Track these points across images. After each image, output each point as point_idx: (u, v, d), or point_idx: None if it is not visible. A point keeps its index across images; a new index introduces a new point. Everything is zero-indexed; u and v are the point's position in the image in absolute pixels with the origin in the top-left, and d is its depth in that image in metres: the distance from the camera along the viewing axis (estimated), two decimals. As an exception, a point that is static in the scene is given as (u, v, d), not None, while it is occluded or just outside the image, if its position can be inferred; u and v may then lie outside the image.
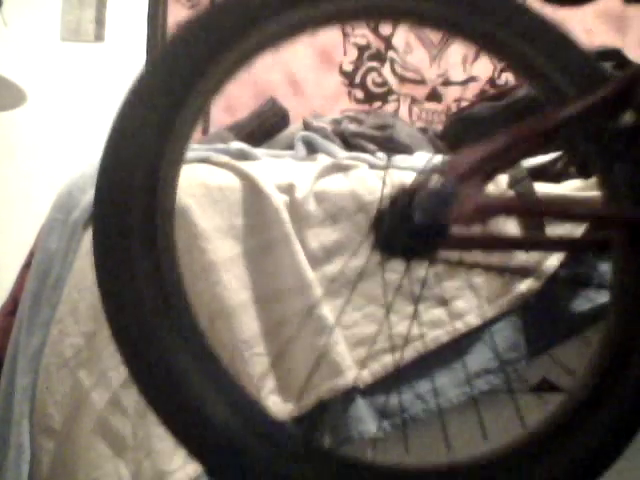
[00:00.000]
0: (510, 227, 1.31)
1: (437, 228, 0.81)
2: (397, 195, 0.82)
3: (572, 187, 1.38)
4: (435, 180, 0.82)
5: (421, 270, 1.29)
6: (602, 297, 1.30)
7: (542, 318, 1.32)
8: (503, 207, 0.90)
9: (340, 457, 0.84)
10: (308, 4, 0.84)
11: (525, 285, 1.30)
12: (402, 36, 2.48)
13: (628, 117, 0.87)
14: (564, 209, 0.95)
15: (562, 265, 1.31)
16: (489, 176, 0.86)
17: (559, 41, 0.92)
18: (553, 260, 1.31)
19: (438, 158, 0.91)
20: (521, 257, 1.31)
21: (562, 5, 1.00)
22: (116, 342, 0.76)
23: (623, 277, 0.91)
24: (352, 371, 1.25)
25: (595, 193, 1.35)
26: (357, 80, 2.49)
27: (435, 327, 1.29)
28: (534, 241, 0.97)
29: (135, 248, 0.75)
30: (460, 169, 0.83)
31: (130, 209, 0.76)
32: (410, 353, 1.28)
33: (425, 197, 0.81)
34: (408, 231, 0.81)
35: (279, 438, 0.77)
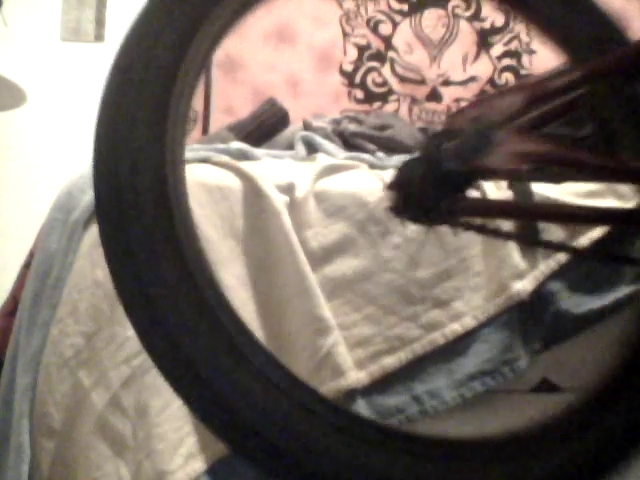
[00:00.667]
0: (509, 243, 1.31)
1: (466, 176, 0.76)
2: (425, 143, 0.78)
3: (572, 190, 1.38)
4: (467, 124, 0.77)
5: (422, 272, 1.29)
6: (599, 300, 1.30)
7: (540, 318, 1.32)
8: (544, 155, 0.80)
9: (386, 428, 0.82)
10: None
11: (522, 285, 1.30)
12: (402, 36, 2.48)
13: None
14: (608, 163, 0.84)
15: (553, 273, 1.31)
16: (532, 126, 0.80)
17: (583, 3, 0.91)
18: (542, 267, 1.31)
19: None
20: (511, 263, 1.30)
21: None
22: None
23: None
24: (353, 372, 1.25)
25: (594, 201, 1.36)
26: (357, 80, 2.49)
27: (433, 329, 1.29)
28: (569, 211, 0.89)
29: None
30: (496, 113, 0.77)
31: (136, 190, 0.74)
32: (407, 355, 1.28)
33: (459, 140, 0.75)
34: (434, 180, 0.76)
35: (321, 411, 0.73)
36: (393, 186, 0.79)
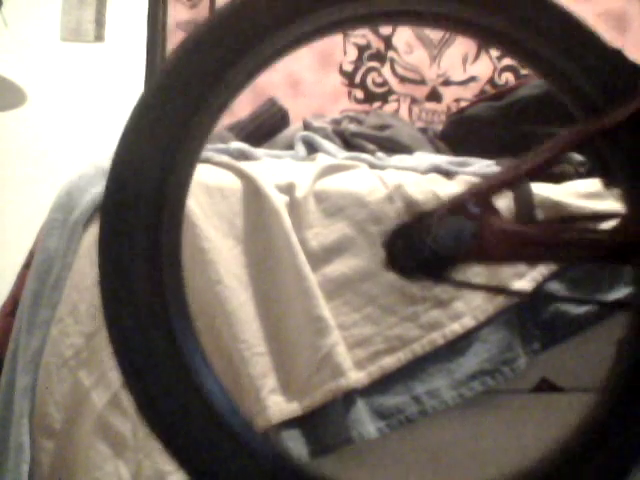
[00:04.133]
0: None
1: (454, 254, 0.81)
2: (414, 217, 0.82)
3: (572, 191, 1.38)
4: (455, 209, 0.81)
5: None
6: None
7: (539, 318, 1.32)
8: (524, 236, 0.86)
9: (311, 475, 0.85)
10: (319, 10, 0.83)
11: (521, 285, 1.30)
12: (402, 36, 2.48)
13: None
14: (589, 238, 0.88)
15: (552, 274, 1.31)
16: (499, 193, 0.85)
17: (584, 41, 0.88)
18: (541, 268, 1.31)
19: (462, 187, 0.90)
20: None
21: None
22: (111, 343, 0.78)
23: None
24: (353, 372, 1.25)
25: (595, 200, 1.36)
26: (357, 80, 2.49)
27: (432, 329, 1.29)
28: (550, 253, 0.93)
29: (138, 254, 0.77)
30: (482, 195, 0.82)
31: (136, 223, 0.77)
32: (407, 355, 1.28)
33: (441, 224, 0.81)
34: (421, 256, 0.81)
35: (256, 451, 0.80)
36: (385, 244, 0.84)
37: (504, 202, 1.33)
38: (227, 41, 0.81)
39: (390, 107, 2.47)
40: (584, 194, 1.38)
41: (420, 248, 0.81)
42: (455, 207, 0.82)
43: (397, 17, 0.89)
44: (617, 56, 0.88)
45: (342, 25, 0.86)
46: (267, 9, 0.82)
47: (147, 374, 0.79)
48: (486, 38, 0.90)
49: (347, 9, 0.84)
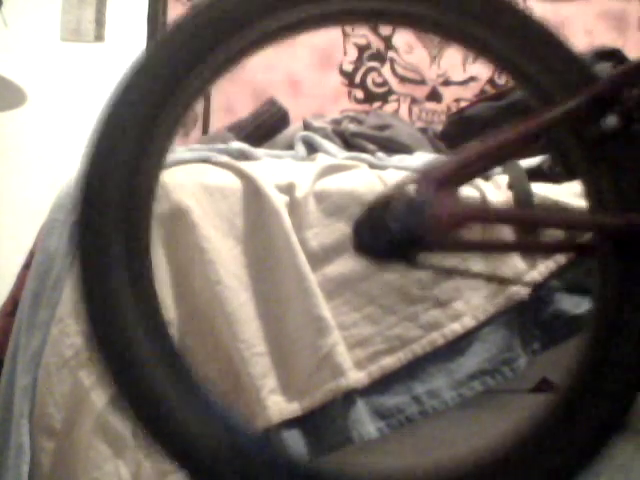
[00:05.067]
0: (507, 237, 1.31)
1: (413, 236, 0.83)
2: (374, 202, 0.84)
3: (571, 191, 1.38)
4: (410, 189, 0.83)
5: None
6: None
7: (539, 318, 1.32)
8: (477, 216, 0.90)
9: (309, 469, 0.86)
10: (303, 4, 0.84)
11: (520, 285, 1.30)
12: (402, 36, 2.48)
13: (611, 121, 0.85)
14: (542, 218, 0.93)
15: (552, 274, 1.31)
16: (464, 181, 0.87)
17: (544, 40, 0.89)
18: (541, 268, 1.31)
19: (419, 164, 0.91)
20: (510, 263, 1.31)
21: None
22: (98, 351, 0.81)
23: (606, 287, 0.88)
24: (353, 372, 1.25)
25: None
26: (357, 80, 2.49)
27: (432, 329, 1.29)
28: (518, 245, 0.95)
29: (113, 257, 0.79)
30: (434, 177, 0.83)
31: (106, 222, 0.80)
32: (407, 355, 1.28)
33: (397, 207, 0.82)
34: (386, 238, 0.83)
35: (251, 450, 0.81)
36: (353, 232, 0.85)
37: (503, 198, 1.33)
38: (189, 44, 0.83)
39: (390, 107, 2.47)
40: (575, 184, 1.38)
41: (383, 230, 0.83)
42: (414, 185, 0.84)
43: (354, 16, 0.90)
44: (569, 51, 0.89)
45: (304, 26, 0.87)
46: (229, 11, 0.84)
47: (136, 374, 0.80)
48: (445, 35, 0.91)
49: (307, 9, 0.85)
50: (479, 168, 0.89)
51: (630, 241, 0.85)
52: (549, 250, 1.07)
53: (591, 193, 0.89)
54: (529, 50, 0.88)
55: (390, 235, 0.82)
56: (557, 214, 0.93)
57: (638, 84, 0.85)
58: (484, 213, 0.89)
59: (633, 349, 0.86)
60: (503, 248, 1.07)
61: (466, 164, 0.86)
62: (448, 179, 0.84)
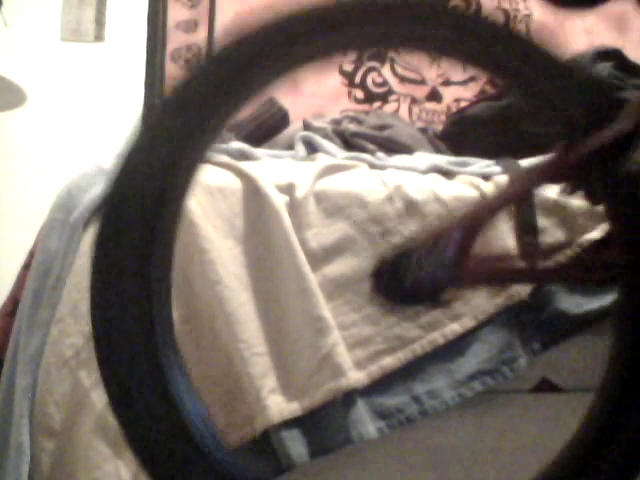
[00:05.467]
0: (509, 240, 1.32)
1: (439, 287, 0.86)
2: (400, 251, 0.86)
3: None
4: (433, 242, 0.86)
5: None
6: (598, 301, 1.30)
7: (539, 318, 1.32)
8: (500, 274, 0.91)
9: None
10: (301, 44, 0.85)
11: (519, 286, 1.30)
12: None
13: (637, 156, 0.84)
14: (565, 271, 0.93)
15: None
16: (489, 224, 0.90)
17: (552, 66, 0.88)
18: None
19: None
20: None
21: (572, 7, 0.99)
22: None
23: (627, 318, 0.88)
24: (353, 372, 1.25)
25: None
26: (357, 80, 2.48)
27: (432, 329, 1.29)
28: (536, 274, 0.96)
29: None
30: (459, 232, 0.85)
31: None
32: (406, 355, 1.28)
33: (424, 260, 0.84)
34: (412, 287, 0.85)
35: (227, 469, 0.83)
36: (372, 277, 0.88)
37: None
38: (224, 72, 0.84)
39: (390, 107, 2.46)
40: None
41: (404, 280, 0.85)
42: (437, 241, 0.86)
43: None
44: (596, 82, 0.91)
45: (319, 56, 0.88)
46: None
47: (130, 391, 0.82)
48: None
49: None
50: (499, 211, 0.91)
51: None
52: (572, 279, 1.08)
53: (615, 229, 0.89)
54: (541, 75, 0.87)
55: (416, 284, 0.85)
56: (582, 263, 0.93)
57: None
58: (505, 270, 0.91)
59: None
60: (517, 282, 1.09)
61: (488, 211, 0.90)
62: (472, 227, 0.86)
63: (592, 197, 0.92)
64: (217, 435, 0.85)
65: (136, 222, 0.83)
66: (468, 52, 0.87)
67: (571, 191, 0.93)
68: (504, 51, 0.86)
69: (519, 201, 0.96)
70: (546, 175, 0.89)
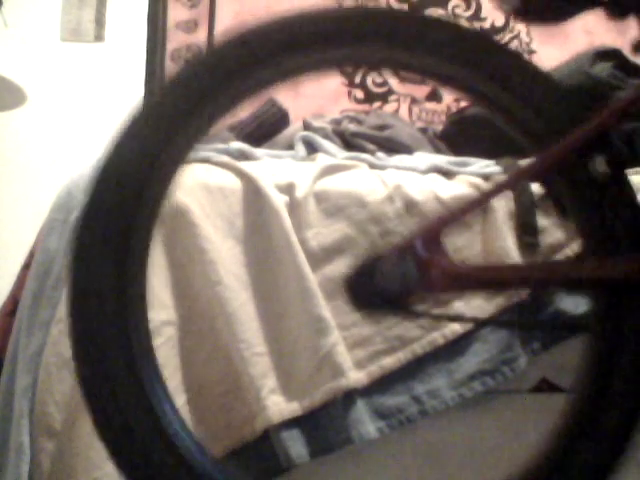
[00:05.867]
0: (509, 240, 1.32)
1: (409, 294, 0.87)
2: (369, 259, 0.87)
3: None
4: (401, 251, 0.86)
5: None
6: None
7: (539, 318, 1.32)
8: (470, 280, 0.90)
9: None
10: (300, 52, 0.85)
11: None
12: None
13: (600, 164, 0.83)
14: (537, 274, 0.93)
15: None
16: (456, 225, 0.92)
17: (528, 77, 0.87)
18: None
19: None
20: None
21: (540, 22, 0.99)
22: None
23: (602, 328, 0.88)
24: (353, 372, 1.25)
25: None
26: (357, 80, 2.49)
27: (432, 329, 1.29)
28: (519, 279, 0.96)
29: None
30: (425, 238, 0.86)
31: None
32: (406, 355, 1.28)
33: (390, 268, 0.86)
34: (381, 295, 0.87)
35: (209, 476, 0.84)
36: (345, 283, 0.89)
37: (505, 203, 1.33)
38: (211, 75, 0.85)
39: (390, 107, 2.47)
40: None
41: (373, 288, 0.86)
42: (403, 249, 0.86)
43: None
44: (556, 87, 0.88)
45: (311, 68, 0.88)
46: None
47: (106, 398, 0.83)
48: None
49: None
50: (465, 214, 0.92)
51: (622, 289, 0.84)
52: (549, 286, 1.08)
53: (583, 236, 0.88)
54: (513, 89, 0.87)
55: (385, 292, 0.86)
56: (551, 268, 0.94)
57: (622, 125, 0.85)
58: (477, 275, 0.91)
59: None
60: (502, 287, 1.08)
61: (456, 218, 0.91)
62: (437, 236, 0.87)
63: (561, 209, 0.92)
64: (200, 444, 0.86)
65: (112, 225, 0.84)
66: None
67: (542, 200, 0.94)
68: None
69: (482, 204, 0.97)
70: (518, 179, 0.90)
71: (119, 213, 0.83)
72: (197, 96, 0.84)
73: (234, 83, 0.85)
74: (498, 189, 1.02)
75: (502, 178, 0.89)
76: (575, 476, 0.85)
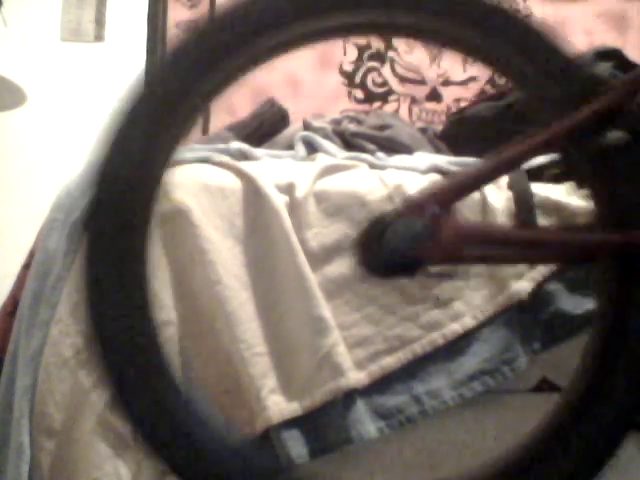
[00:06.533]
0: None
1: (416, 257, 0.84)
2: (372, 224, 0.85)
3: (572, 191, 1.38)
4: (410, 210, 0.84)
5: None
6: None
7: (539, 318, 1.32)
8: (477, 237, 0.90)
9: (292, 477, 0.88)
10: (309, 17, 0.85)
11: (521, 285, 1.30)
12: (402, 36, 2.48)
13: (615, 134, 0.84)
14: (543, 238, 0.93)
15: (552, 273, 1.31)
16: (466, 195, 0.89)
17: (546, 48, 0.88)
18: (541, 267, 1.31)
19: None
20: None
21: None
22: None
23: (607, 300, 0.88)
24: (353, 372, 1.25)
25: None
26: (357, 80, 2.49)
27: (432, 329, 1.29)
28: (520, 256, 0.96)
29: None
30: (435, 199, 0.84)
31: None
32: (407, 355, 1.28)
33: (399, 229, 0.84)
34: (388, 258, 0.84)
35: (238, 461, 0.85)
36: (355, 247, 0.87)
37: (505, 203, 1.33)
38: (200, 54, 0.84)
39: (390, 107, 2.47)
40: (584, 194, 1.37)
41: (382, 249, 0.84)
42: (413, 208, 0.85)
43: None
44: (574, 61, 0.88)
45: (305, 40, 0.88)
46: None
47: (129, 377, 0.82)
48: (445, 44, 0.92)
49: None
50: (480, 184, 0.90)
51: (631, 258, 0.84)
52: (551, 261, 1.07)
53: (596, 206, 0.88)
54: (532, 58, 0.87)
55: (393, 255, 0.84)
56: (559, 233, 0.93)
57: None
58: (485, 234, 0.91)
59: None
60: (505, 260, 1.08)
61: (468, 183, 0.89)
62: (449, 198, 0.85)
63: (578, 177, 0.92)
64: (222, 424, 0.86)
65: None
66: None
67: (561, 176, 0.93)
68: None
69: (501, 174, 0.95)
70: (533, 148, 0.88)
71: (124, 206, 0.84)
72: (195, 71, 0.84)
73: (232, 56, 0.84)
74: (510, 164, 0.98)
75: (524, 143, 0.88)
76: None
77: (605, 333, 0.87)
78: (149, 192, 0.83)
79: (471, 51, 0.91)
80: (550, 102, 0.88)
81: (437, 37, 0.90)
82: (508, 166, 0.92)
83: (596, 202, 0.88)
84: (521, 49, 0.87)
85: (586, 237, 0.89)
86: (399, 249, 0.83)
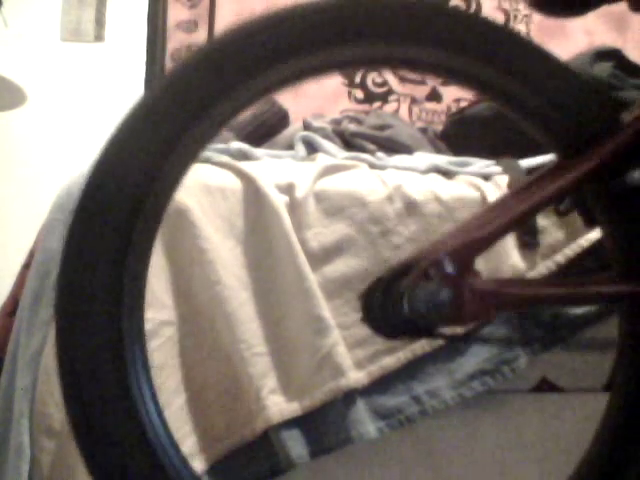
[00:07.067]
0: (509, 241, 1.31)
1: (435, 320, 0.77)
2: (387, 277, 0.79)
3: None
4: (424, 274, 0.77)
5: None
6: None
7: (539, 318, 1.32)
8: (504, 301, 0.82)
9: None
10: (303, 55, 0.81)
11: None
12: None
13: (637, 174, 0.77)
14: (570, 292, 0.84)
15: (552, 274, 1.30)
16: (484, 250, 0.81)
17: (553, 73, 0.82)
18: (540, 268, 1.30)
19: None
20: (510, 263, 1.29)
21: (558, 15, 0.94)
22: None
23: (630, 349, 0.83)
24: (353, 372, 1.25)
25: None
26: (357, 80, 2.49)
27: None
28: (553, 298, 0.87)
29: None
30: (454, 257, 0.77)
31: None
32: (406, 355, 1.28)
33: (412, 301, 0.77)
34: (396, 321, 0.78)
35: None
36: (361, 301, 0.81)
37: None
38: (221, 71, 0.82)
39: (390, 107, 2.47)
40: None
41: (394, 312, 0.78)
42: (430, 269, 0.77)
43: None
44: (593, 89, 0.81)
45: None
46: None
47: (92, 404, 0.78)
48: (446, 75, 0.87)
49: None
50: (498, 238, 0.82)
51: None
52: (577, 301, 1.01)
53: (613, 249, 0.82)
54: (548, 95, 0.80)
55: (409, 322, 0.77)
56: (586, 287, 0.83)
57: None
58: (511, 298, 0.82)
59: None
60: (521, 309, 1.02)
61: (489, 238, 0.80)
62: (468, 256, 0.78)
63: (587, 217, 0.85)
64: (186, 460, 0.81)
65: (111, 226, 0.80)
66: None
67: (565, 211, 0.87)
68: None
69: (517, 226, 0.88)
70: (549, 196, 0.80)
71: (121, 212, 0.80)
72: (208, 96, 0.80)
73: (243, 86, 0.82)
74: (538, 205, 0.85)
75: (539, 194, 0.80)
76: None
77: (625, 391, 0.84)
78: (159, 214, 0.80)
79: (485, 88, 0.85)
80: (570, 144, 0.80)
81: (455, 76, 0.84)
82: (523, 219, 0.83)
83: (615, 248, 0.82)
84: (536, 88, 0.81)
85: (611, 288, 0.82)
86: (419, 316, 0.76)
